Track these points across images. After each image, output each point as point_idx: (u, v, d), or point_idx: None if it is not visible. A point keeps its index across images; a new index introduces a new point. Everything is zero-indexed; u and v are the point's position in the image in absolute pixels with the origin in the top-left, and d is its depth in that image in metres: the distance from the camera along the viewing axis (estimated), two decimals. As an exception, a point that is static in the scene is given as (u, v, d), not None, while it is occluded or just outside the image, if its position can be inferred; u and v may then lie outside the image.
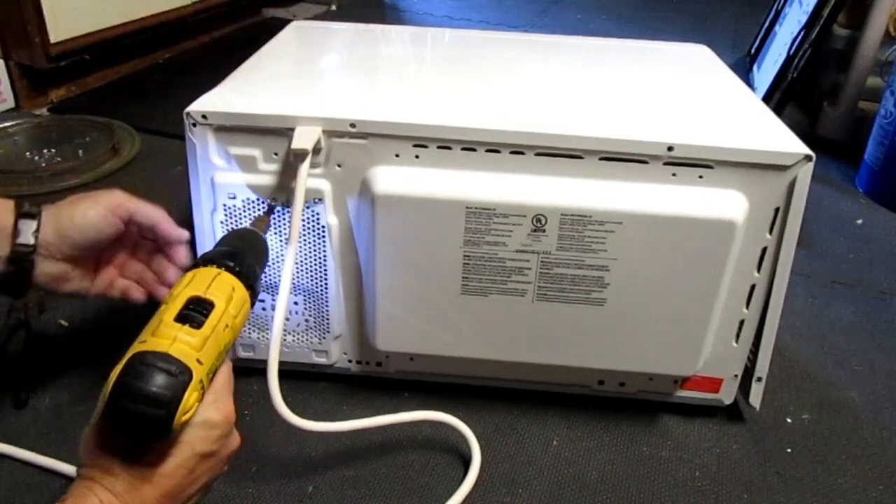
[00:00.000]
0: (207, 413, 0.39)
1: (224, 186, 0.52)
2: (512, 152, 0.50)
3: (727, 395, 0.60)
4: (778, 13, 1.46)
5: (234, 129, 0.51)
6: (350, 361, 0.60)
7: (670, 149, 0.49)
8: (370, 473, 0.54)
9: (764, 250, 0.53)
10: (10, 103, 1.15)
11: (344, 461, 0.55)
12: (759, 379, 0.58)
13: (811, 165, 0.49)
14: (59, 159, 0.98)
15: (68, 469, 0.52)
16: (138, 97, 1.21)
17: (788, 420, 0.62)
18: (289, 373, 0.60)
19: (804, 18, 1.16)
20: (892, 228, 0.97)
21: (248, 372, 0.61)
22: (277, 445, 0.55)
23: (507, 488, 0.53)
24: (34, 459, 0.53)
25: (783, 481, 0.55)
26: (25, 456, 0.53)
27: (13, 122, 1.08)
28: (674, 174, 0.50)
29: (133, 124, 1.09)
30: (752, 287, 0.54)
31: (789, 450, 0.58)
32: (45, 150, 1.00)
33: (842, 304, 0.79)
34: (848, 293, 0.81)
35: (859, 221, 0.98)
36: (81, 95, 1.22)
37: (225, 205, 0.53)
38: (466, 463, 0.54)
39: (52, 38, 1.12)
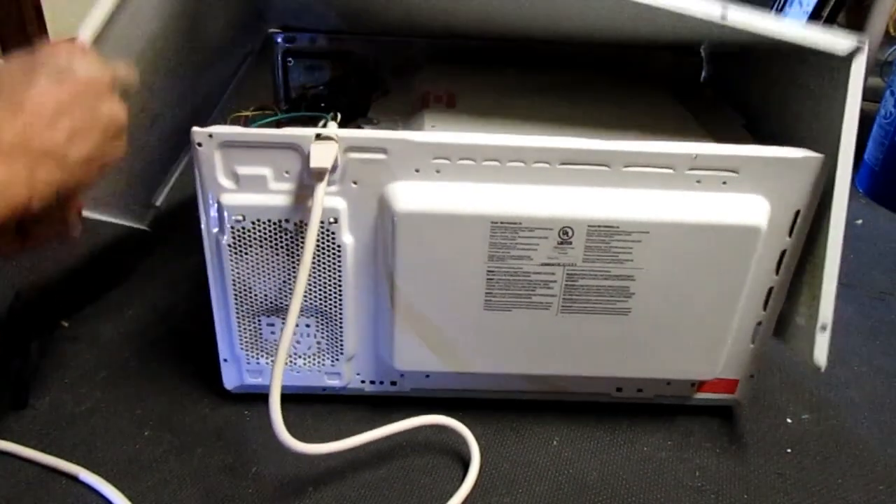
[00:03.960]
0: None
1: (232, 209, 0.50)
2: (536, 162, 0.49)
3: (743, 396, 0.60)
4: (778, 13, 1.46)
5: (241, 145, 0.49)
6: (363, 382, 0.59)
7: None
8: (370, 474, 0.54)
9: (783, 253, 0.53)
10: (11, 103, 1.15)
11: (343, 462, 0.54)
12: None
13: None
14: (59, 159, 0.98)
15: (70, 468, 0.52)
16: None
17: (788, 420, 0.62)
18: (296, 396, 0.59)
19: (804, 19, 1.16)
20: (892, 228, 0.97)
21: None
22: (277, 445, 0.55)
23: (507, 488, 0.53)
24: (35, 457, 0.53)
25: (783, 481, 0.55)
26: (27, 454, 0.53)
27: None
28: (698, 181, 0.50)
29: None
30: (770, 289, 0.54)
31: (789, 450, 0.58)
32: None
33: (842, 304, 0.79)
34: (848, 293, 0.81)
35: (859, 221, 0.98)
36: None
37: (233, 227, 0.51)
38: (466, 463, 0.54)
39: (52, 39, 1.12)
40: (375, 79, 0.66)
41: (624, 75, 0.68)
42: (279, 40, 0.69)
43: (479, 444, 0.55)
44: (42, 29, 1.09)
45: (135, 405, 0.58)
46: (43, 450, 0.53)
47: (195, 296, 0.72)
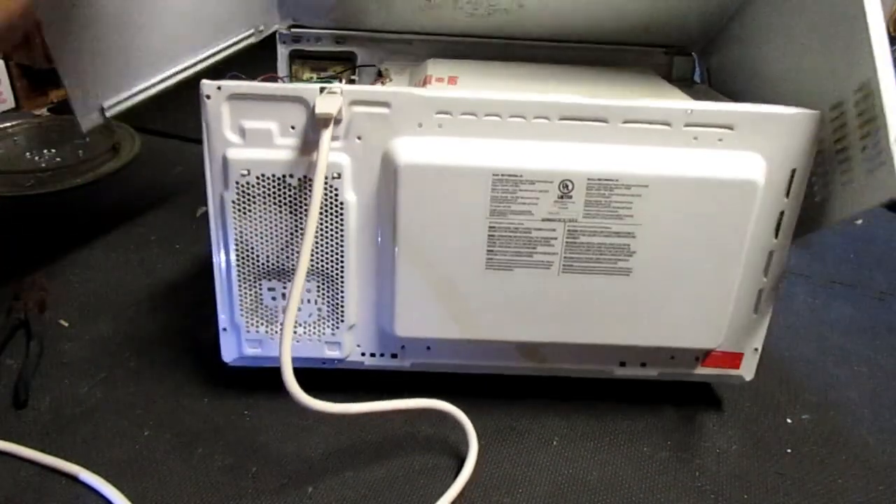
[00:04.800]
0: None
1: (237, 163, 0.51)
2: (536, 118, 0.50)
3: (748, 371, 0.60)
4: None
5: (248, 97, 0.50)
6: (363, 354, 0.59)
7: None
8: (369, 474, 0.54)
9: (781, 214, 0.53)
10: (10, 103, 1.15)
11: (343, 461, 0.55)
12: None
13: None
14: (59, 159, 0.98)
15: (70, 468, 0.52)
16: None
17: (788, 420, 0.62)
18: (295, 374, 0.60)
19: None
20: (892, 228, 0.97)
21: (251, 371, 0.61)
22: (277, 445, 0.55)
23: (507, 488, 0.53)
24: (35, 457, 0.53)
25: (783, 481, 0.55)
26: (27, 454, 0.53)
27: (13, 122, 1.08)
28: (695, 137, 0.51)
29: (133, 124, 1.09)
30: (771, 254, 0.54)
31: (789, 450, 0.58)
32: (45, 150, 1.00)
33: (842, 305, 0.79)
34: (848, 293, 0.81)
35: (859, 221, 0.98)
36: (81, 95, 1.22)
37: (237, 182, 0.51)
38: (465, 460, 0.54)
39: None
40: (378, 71, 0.67)
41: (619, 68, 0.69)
42: (285, 40, 0.70)
43: (479, 442, 0.55)
44: (42, 29, 1.09)
45: (135, 405, 0.59)
46: (43, 450, 0.53)
47: (195, 296, 0.72)
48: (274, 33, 0.71)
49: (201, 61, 0.64)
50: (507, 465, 0.55)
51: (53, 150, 1.01)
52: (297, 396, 0.48)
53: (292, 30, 0.69)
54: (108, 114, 0.53)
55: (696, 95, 0.63)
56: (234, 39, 0.68)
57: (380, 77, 0.65)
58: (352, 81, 0.68)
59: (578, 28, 0.67)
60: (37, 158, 0.98)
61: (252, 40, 0.70)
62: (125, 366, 0.63)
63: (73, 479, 0.51)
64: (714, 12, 0.65)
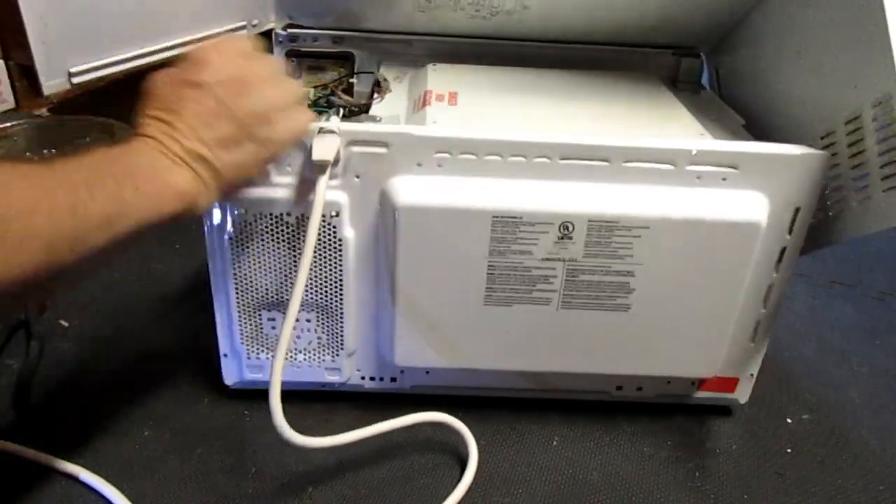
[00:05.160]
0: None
1: (235, 202, 0.50)
2: (537, 157, 0.50)
3: (743, 395, 0.60)
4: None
5: None
6: (363, 378, 0.59)
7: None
8: (369, 474, 0.54)
9: (783, 250, 0.53)
10: (11, 103, 1.15)
11: (343, 462, 0.55)
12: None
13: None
14: (59, 159, 0.98)
15: (70, 468, 0.52)
16: (139, 97, 1.21)
17: (788, 420, 0.62)
18: (294, 392, 0.59)
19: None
20: (893, 228, 0.97)
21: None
22: (277, 446, 0.55)
23: (507, 488, 0.53)
24: (35, 457, 0.53)
25: (783, 481, 0.55)
26: (27, 454, 0.53)
27: (13, 122, 1.07)
28: (698, 177, 0.50)
29: (133, 124, 1.09)
30: (770, 287, 0.54)
31: (789, 450, 0.58)
32: (45, 151, 1.00)
33: (842, 305, 0.79)
34: (848, 293, 0.81)
35: (859, 221, 0.98)
36: (81, 95, 1.22)
37: (235, 220, 0.51)
38: (466, 464, 0.54)
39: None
40: (376, 80, 0.66)
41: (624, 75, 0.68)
42: (282, 39, 0.70)
43: (478, 443, 0.55)
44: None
45: (135, 405, 0.59)
46: (43, 450, 0.53)
47: (195, 296, 0.72)
48: (269, 31, 0.70)
49: (183, 45, 0.61)
50: (507, 466, 0.55)
51: (53, 150, 1.01)
52: (287, 436, 0.48)
53: (289, 30, 0.69)
54: (74, 80, 0.51)
55: (702, 105, 0.63)
56: (223, 29, 0.66)
57: (378, 87, 0.65)
58: (350, 86, 0.68)
59: (584, 29, 0.67)
60: (36, 159, 0.98)
61: (243, 34, 0.69)
62: (125, 366, 0.63)
63: (74, 479, 0.51)
64: (723, 12, 0.65)
